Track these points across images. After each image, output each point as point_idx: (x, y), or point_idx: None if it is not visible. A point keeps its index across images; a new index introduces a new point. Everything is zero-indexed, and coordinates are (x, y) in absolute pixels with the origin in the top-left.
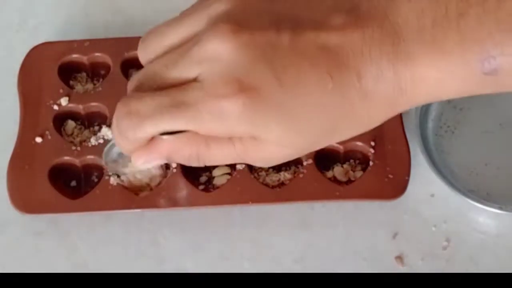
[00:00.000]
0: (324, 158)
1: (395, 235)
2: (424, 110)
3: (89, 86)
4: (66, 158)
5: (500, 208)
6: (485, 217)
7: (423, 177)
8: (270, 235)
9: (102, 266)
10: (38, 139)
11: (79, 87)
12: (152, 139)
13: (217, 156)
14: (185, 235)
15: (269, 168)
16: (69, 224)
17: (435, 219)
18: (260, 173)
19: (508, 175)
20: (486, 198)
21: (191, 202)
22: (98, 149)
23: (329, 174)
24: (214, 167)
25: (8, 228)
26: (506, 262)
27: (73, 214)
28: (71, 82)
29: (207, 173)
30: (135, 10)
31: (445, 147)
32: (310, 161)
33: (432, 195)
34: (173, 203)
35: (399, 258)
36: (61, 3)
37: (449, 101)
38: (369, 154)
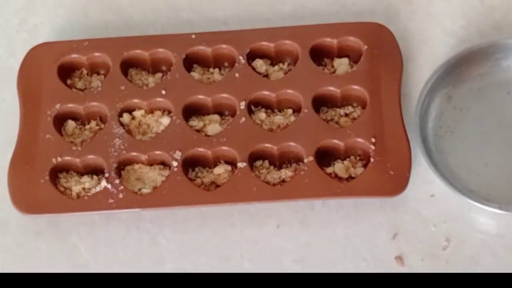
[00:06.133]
0: (325, 155)
1: (395, 235)
2: (424, 110)
3: (89, 80)
4: (67, 158)
5: (500, 208)
6: (485, 217)
7: (423, 177)
8: (270, 235)
9: (102, 266)
10: (39, 140)
11: (79, 84)
12: None
13: None
14: (185, 235)
15: (270, 165)
16: (69, 224)
17: (435, 219)
18: (261, 171)
19: (508, 175)
20: (486, 198)
21: (192, 201)
22: (100, 148)
23: (330, 170)
24: (215, 165)
25: (8, 228)
26: (506, 262)
27: (73, 214)
28: (69, 81)
29: (208, 172)
30: (135, 10)
31: (445, 147)
32: (311, 158)
33: (432, 195)
34: (174, 202)
35: (399, 258)
36: (61, 3)
37: (449, 101)
38: (370, 150)
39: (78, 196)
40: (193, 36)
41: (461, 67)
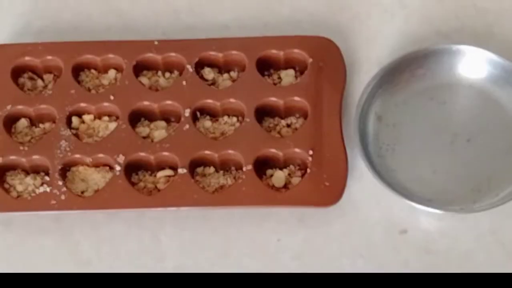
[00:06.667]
0: (266, 164)
1: (394, 234)
2: (362, 132)
3: (41, 83)
4: (13, 157)
5: (462, 210)
6: (470, 218)
7: None
8: (269, 234)
9: (104, 264)
10: None
11: (31, 86)
12: None
13: None
14: (186, 235)
15: (211, 172)
16: (72, 222)
17: (431, 218)
18: (201, 178)
19: (456, 176)
20: (446, 203)
21: (131, 204)
22: (46, 149)
23: (268, 179)
24: (159, 170)
25: (11, 227)
26: (501, 262)
27: (76, 213)
28: (21, 83)
29: (151, 176)
30: (136, 12)
31: (391, 166)
32: (250, 166)
33: None
34: (114, 205)
35: (398, 254)
36: (61, 4)
37: (380, 120)
38: (307, 161)
39: (20, 195)
40: (156, 43)
41: (381, 87)
